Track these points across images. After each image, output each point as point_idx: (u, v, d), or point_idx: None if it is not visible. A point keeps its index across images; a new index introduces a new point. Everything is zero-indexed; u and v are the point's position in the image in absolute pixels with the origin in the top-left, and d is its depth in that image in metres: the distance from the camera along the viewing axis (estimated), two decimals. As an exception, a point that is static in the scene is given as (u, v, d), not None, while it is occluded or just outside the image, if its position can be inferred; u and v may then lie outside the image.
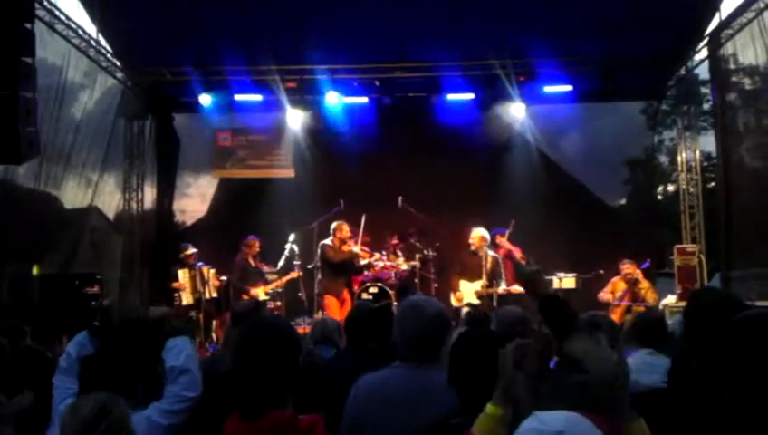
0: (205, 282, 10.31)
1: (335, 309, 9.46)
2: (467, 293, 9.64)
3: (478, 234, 9.60)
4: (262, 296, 9.90)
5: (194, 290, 10.20)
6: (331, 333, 4.56)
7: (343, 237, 9.87)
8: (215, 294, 10.50)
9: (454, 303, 9.66)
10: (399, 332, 2.83)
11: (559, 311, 4.25)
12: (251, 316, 3.89)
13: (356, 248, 10.05)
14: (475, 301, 9.41)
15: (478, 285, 9.52)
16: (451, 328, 2.98)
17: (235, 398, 2.42)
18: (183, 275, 10.23)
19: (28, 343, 5.26)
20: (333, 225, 9.94)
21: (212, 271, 10.54)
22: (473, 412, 2.28)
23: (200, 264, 10.37)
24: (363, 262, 10.30)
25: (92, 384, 2.77)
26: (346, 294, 9.90)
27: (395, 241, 11.41)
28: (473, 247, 9.64)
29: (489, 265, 9.46)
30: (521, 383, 2.19)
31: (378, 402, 2.68)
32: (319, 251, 9.95)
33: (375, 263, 10.90)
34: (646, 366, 3.85)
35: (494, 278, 9.50)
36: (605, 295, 9.77)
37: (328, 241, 9.88)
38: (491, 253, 9.57)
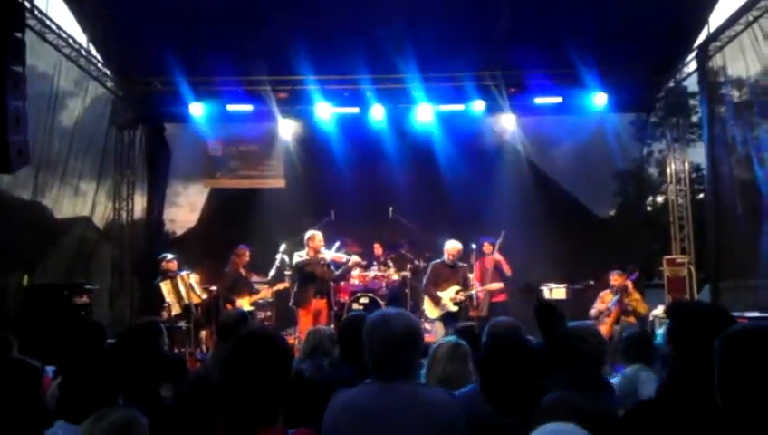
0: (188, 288, 9.89)
1: (306, 322, 9.10)
2: (445, 301, 9.42)
3: (456, 247, 9.45)
4: (246, 307, 9.61)
5: (179, 299, 9.76)
6: (324, 343, 4.51)
7: (317, 247, 9.48)
8: (200, 298, 10.02)
9: (434, 314, 9.34)
10: (368, 347, 2.66)
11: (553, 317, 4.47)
12: (237, 328, 3.84)
13: (330, 254, 9.69)
14: (453, 308, 9.24)
15: (452, 291, 9.33)
16: (423, 341, 2.77)
17: (222, 413, 2.36)
18: (166, 287, 9.75)
19: (15, 356, 5.20)
20: (306, 235, 9.57)
21: (193, 276, 10.11)
22: None
23: (183, 272, 9.94)
24: (338, 271, 9.84)
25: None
26: (320, 305, 9.41)
27: (378, 251, 11.40)
28: (450, 260, 9.45)
29: (462, 273, 9.48)
30: None
31: (351, 420, 2.57)
32: (293, 263, 9.65)
33: (366, 273, 10.93)
34: (638, 382, 3.89)
35: (465, 283, 9.44)
36: (597, 306, 9.60)
37: (303, 252, 9.54)
38: (460, 263, 9.56)
